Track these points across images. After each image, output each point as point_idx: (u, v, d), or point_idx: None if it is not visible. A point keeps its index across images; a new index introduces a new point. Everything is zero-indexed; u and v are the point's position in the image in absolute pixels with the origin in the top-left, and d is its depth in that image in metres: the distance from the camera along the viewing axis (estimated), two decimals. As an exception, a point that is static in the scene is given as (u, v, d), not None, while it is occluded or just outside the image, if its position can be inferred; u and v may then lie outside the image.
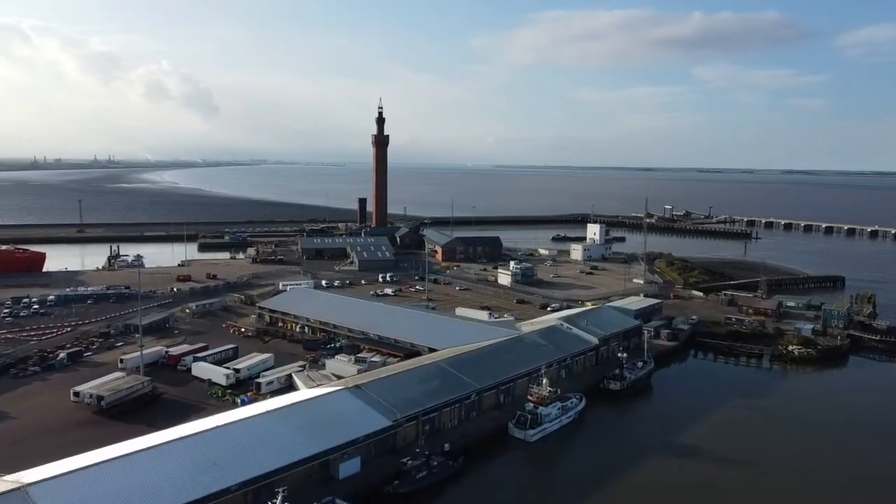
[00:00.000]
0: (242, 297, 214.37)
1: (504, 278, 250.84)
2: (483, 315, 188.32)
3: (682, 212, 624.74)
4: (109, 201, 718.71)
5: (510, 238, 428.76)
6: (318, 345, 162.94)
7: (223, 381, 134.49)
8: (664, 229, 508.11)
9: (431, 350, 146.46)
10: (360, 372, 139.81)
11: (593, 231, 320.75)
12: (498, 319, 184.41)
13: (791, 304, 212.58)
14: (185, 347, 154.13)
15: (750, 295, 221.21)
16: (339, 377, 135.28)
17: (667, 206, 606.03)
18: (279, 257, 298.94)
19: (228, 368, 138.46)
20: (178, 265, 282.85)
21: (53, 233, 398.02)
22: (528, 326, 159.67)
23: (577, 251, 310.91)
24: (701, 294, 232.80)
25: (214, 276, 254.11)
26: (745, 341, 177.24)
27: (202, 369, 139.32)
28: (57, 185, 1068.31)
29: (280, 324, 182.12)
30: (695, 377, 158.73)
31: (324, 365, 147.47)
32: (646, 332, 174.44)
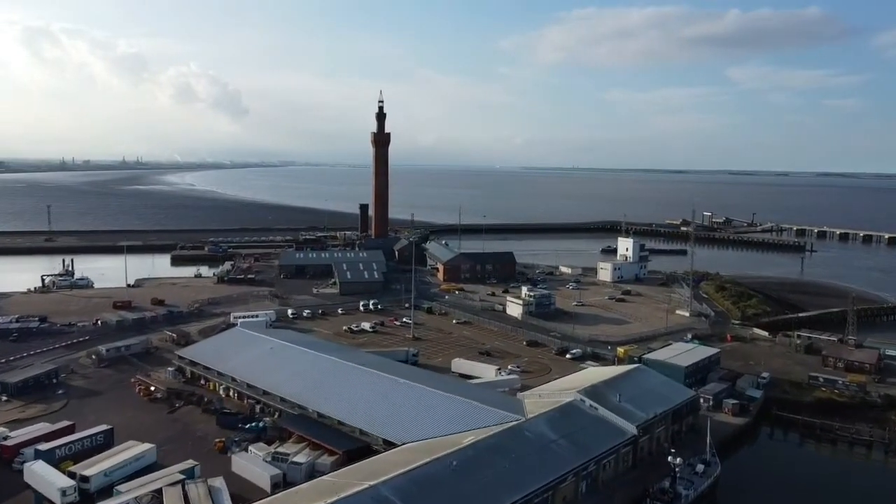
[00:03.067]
0: (174, 335, 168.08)
1: (514, 308, 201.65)
2: (489, 371, 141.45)
3: (721, 219, 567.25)
4: (108, 205, 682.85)
5: (531, 249, 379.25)
6: (236, 421, 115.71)
7: (57, 499, 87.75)
8: (704, 240, 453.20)
9: (387, 445, 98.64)
10: (273, 481, 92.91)
11: (625, 246, 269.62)
12: (499, 378, 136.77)
13: (892, 352, 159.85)
14: (35, 429, 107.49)
15: (834, 339, 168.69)
16: (241, 488, 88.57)
17: (706, 213, 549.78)
18: (249, 276, 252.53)
19: (74, 474, 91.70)
20: (127, 286, 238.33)
21: (18, 242, 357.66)
22: (533, 401, 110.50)
23: (605, 270, 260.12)
24: (766, 334, 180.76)
25: (161, 302, 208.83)
26: (843, 416, 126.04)
27: (36, 474, 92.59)
28: (70, 187, 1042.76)
29: (202, 381, 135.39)
30: (778, 483, 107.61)
31: (231, 459, 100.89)
32: (703, 401, 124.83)
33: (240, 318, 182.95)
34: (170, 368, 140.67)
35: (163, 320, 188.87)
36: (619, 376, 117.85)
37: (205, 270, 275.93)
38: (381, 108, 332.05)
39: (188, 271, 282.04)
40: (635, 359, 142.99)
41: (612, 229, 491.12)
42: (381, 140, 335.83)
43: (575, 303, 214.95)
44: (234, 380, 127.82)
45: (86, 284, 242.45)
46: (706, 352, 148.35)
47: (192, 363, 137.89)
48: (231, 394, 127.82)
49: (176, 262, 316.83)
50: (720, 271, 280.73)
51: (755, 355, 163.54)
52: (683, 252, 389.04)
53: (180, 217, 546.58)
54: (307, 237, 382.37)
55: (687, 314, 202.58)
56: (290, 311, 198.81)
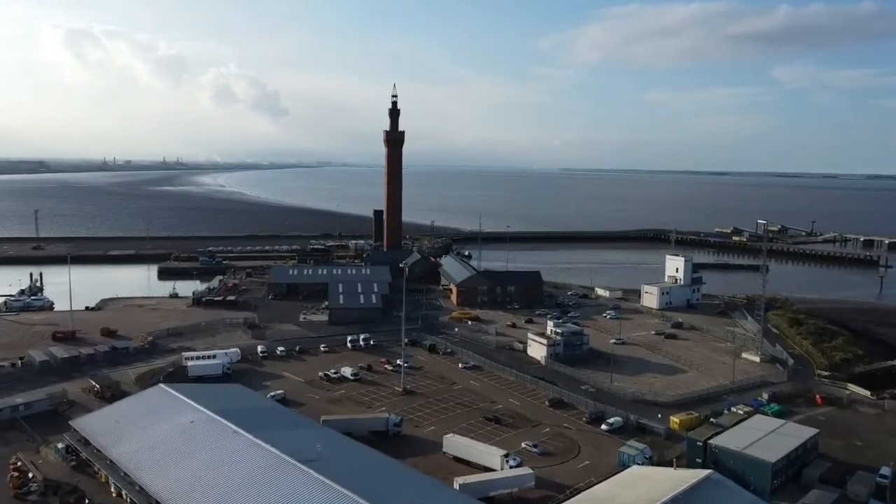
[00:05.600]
0: (98, 385, 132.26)
1: (537, 349, 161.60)
2: (494, 458, 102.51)
3: (776, 227, 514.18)
4: (128, 206, 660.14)
5: (564, 262, 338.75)
6: (106, 552, 78.56)
7: None
8: (759, 252, 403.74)
9: None
10: None
11: (675, 266, 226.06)
12: (505, 473, 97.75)
13: None
14: None
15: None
16: None
17: (760, 221, 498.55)
18: (229, 297, 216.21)
19: None
20: (86, 308, 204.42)
21: (4, 249, 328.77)
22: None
23: (651, 295, 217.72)
24: (868, 394, 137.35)
25: (112, 333, 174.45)
26: None
27: None
28: (98, 188, 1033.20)
29: (95, 469, 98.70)
30: None
31: None
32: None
33: (191, 358, 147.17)
34: (60, 445, 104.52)
35: (102, 359, 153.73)
36: (681, 497, 77.27)
37: (185, 287, 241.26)
38: (394, 104, 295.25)
39: (174, 287, 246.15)
40: (698, 443, 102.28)
41: (655, 238, 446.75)
42: (395, 139, 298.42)
43: (614, 339, 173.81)
44: (126, 475, 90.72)
45: (42, 305, 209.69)
46: (799, 434, 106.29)
47: (86, 442, 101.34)
48: (123, 495, 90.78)
49: (163, 275, 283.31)
50: (780, 292, 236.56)
51: (860, 430, 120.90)
52: (740, 268, 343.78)
53: (192, 221, 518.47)
54: (315, 246, 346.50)
55: (757, 359, 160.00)
56: (260, 349, 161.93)
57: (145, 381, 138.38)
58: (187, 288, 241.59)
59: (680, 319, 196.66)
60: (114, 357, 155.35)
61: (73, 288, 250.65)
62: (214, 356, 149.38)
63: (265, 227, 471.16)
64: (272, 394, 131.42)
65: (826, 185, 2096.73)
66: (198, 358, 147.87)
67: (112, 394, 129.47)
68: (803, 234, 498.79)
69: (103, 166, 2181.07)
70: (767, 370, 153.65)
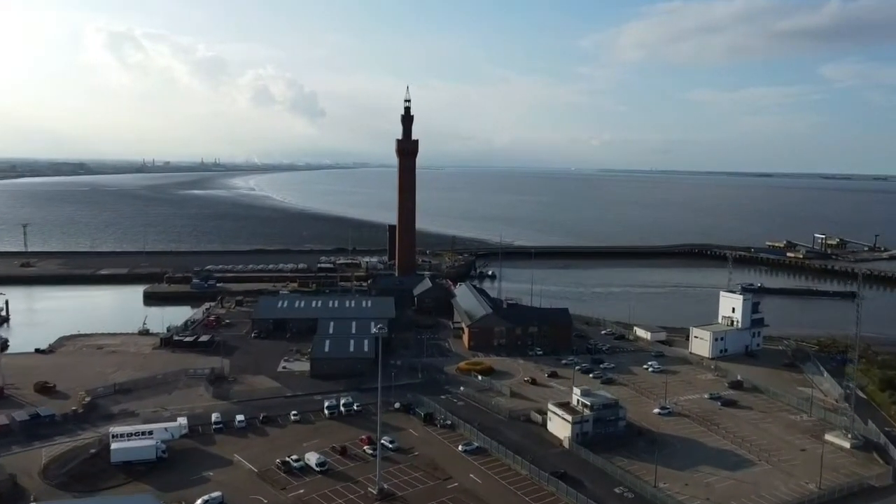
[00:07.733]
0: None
1: (559, 425, 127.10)
2: None
3: (834, 240, 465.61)
4: (146, 213, 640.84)
5: (598, 284, 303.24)
6: None
7: None
8: (819, 272, 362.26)
9: None
10: None
11: (731, 305, 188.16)
12: None
13: None
14: None
15: None
16: None
17: (817, 235, 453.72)
18: (203, 337, 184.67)
19: None
20: (36, 351, 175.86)
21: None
22: None
23: (702, 341, 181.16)
24: None
25: (49, 389, 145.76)
26: None
27: None
28: (126, 191, 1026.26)
29: None
30: None
31: None
32: None
33: (119, 437, 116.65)
34: None
35: (19, 430, 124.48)
36: None
37: (168, 316, 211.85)
38: (407, 110, 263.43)
39: (153, 317, 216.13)
40: None
41: (700, 254, 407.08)
42: (408, 149, 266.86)
43: (658, 409, 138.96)
44: None
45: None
46: None
47: None
48: None
49: (150, 300, 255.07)
50: (850, 328, 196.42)
51: None
52: (802, 293, 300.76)
53: (205, 231, 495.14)
54: (323, 265, 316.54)
55: (847, 444, 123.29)
56: (214, 417, 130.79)
57: (53, 471, 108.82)
58: (171, 317, 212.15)
59: (739, 377, 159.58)
60: (33, 428, 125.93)
61: (42, 318, 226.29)
62: (151, 433, 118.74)
63: (280, 238, 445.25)
64: (206, 498, 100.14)
65: (878, 189, 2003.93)
66: (128, 436, 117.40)
67: (1, 493, 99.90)
68: (865, 248, 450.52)
69: (142, 168, 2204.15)
70: (863, 464, 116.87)
